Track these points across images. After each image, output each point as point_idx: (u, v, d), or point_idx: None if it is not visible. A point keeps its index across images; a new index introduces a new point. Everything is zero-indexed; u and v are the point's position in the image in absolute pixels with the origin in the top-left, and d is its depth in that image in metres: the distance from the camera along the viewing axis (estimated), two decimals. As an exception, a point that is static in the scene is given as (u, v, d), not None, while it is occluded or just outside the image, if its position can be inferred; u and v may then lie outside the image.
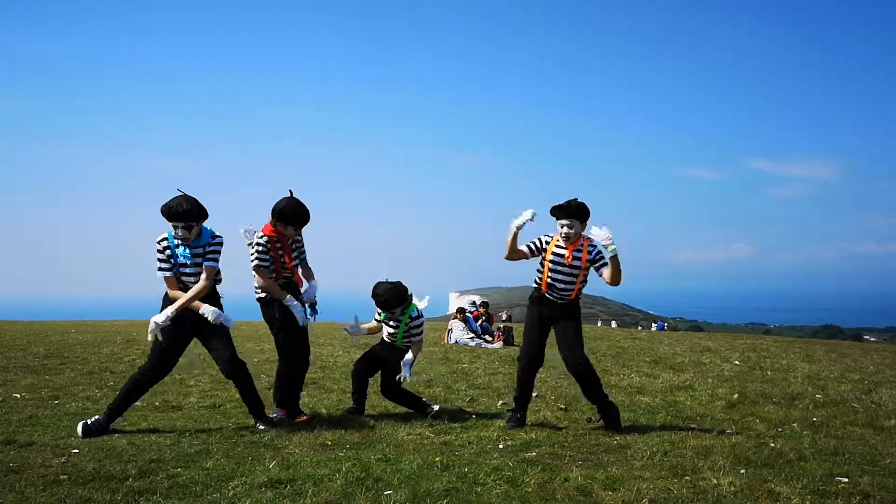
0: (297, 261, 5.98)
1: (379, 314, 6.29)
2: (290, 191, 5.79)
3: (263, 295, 5.81)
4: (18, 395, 6.73)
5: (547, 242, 5.72)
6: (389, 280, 6.07)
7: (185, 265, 5.39)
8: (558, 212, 5.60)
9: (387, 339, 6.27)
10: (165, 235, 5.39)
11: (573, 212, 5.56)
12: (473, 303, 17.75)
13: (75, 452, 4.59)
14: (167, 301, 5.41)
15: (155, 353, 5.44)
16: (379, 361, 6.31)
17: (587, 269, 5.65)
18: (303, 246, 6.05)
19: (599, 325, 40.18)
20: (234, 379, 5.54)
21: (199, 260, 5.39)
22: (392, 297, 5.97)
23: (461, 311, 14.46)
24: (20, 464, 4.28)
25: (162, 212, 5.29)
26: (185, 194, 5.33)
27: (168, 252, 5.38)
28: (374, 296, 6.04)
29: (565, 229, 5.59)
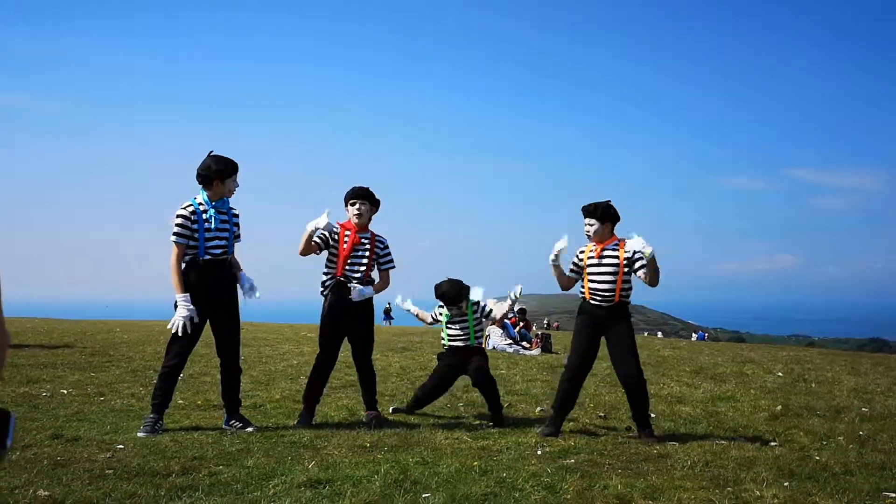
0: (361, 260, 5.92)
1: (441, 314, 6.36)
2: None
3: (321, 289, 5.97)
4: (66, 391, 6.88)
5: (581, 252, 5.81)
6: (449, 277, 6.25)
7: (209, 229, 5.38)
8: (583, 211, 5.74)
9: (458, 344, 6.26)
10: (190, 202, 5.42)
11: (591, 212, 5.69)
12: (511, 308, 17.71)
13: (120, 448, 4.68)
14: (190, 284, 5.35)
15: (176, 344, 5.40)
16: (452, 376, 6.37)
17: (626, 268, 5.63)
18: (385, 252, 6.07)
19: (646, 335, 39.88)
20: (229, 372, 5.62)
21: (223, 226, 5.45)
22: (458, 292, 6.13)
23: (499, 317, 14.42)
24: (67, 458, 4.38)
25: (222, 168, 5.38)
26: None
27: (194, 217, 5.35)
28: (440, 295, 6.18)
29: (586, 227, 5.71)
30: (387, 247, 6.09)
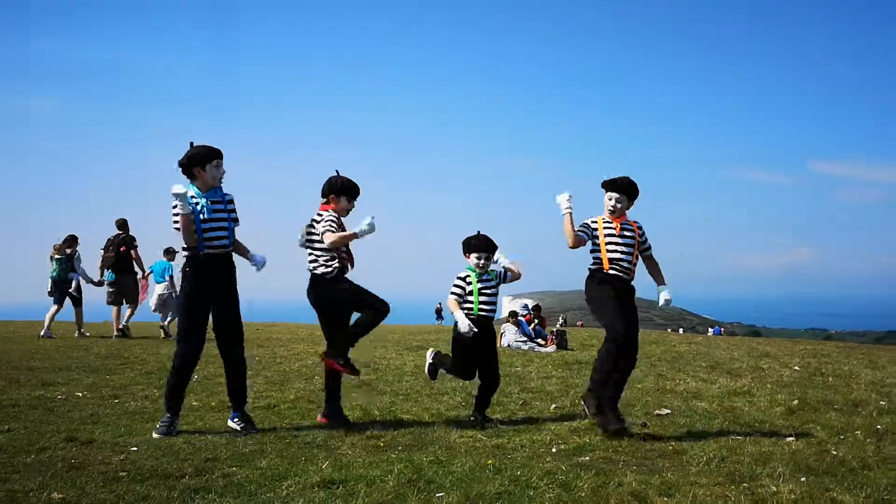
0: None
1: (469, 281, 5.85)
2: (337, 170, 5.88)
3: (328, 270, 5.68)
4: (80, 394, 6.92)
5: (594, 221, 5.72)
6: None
7: (205, 220, 5.33)
8: (609, 185, 5.66)
9: (488, 315, 5.86)
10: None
11: (624, 189, 5.63)
12: (525, 306, 17.67)
13: (134, 450, 4.70)
14: (190, 280, 5.38)
15: (186, 336, 5.47)
16: (476, 350, 5.89)
17: (639, 246, 5.68)
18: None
19: (668, 330, 39.64)
20: (233, 367, 5.60)
21: (218, 215, 5.38)
22: (490, 242, 5.86)
23: (513, 314, 14.42)
24: (81, 460, 4.40)
25: (199, 154, 5.30)
26: None
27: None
28: (474, 243, 5.85)
29: (613, 202, 5.63)
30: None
